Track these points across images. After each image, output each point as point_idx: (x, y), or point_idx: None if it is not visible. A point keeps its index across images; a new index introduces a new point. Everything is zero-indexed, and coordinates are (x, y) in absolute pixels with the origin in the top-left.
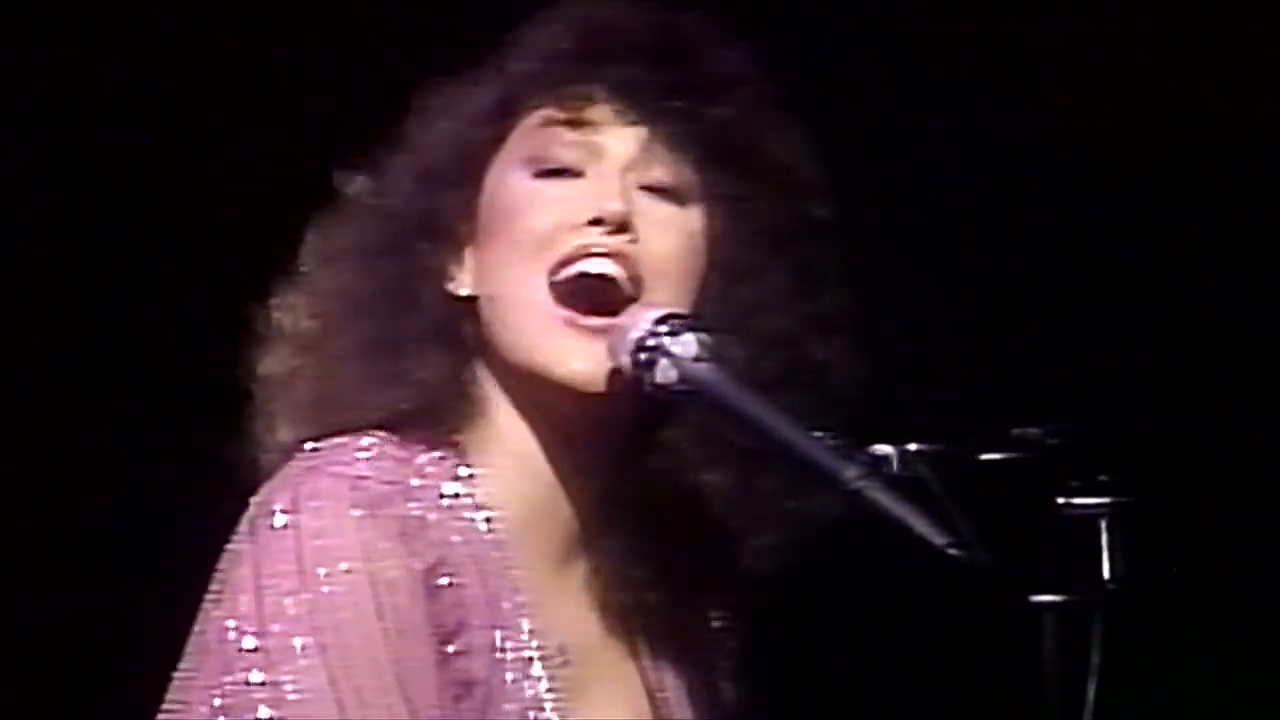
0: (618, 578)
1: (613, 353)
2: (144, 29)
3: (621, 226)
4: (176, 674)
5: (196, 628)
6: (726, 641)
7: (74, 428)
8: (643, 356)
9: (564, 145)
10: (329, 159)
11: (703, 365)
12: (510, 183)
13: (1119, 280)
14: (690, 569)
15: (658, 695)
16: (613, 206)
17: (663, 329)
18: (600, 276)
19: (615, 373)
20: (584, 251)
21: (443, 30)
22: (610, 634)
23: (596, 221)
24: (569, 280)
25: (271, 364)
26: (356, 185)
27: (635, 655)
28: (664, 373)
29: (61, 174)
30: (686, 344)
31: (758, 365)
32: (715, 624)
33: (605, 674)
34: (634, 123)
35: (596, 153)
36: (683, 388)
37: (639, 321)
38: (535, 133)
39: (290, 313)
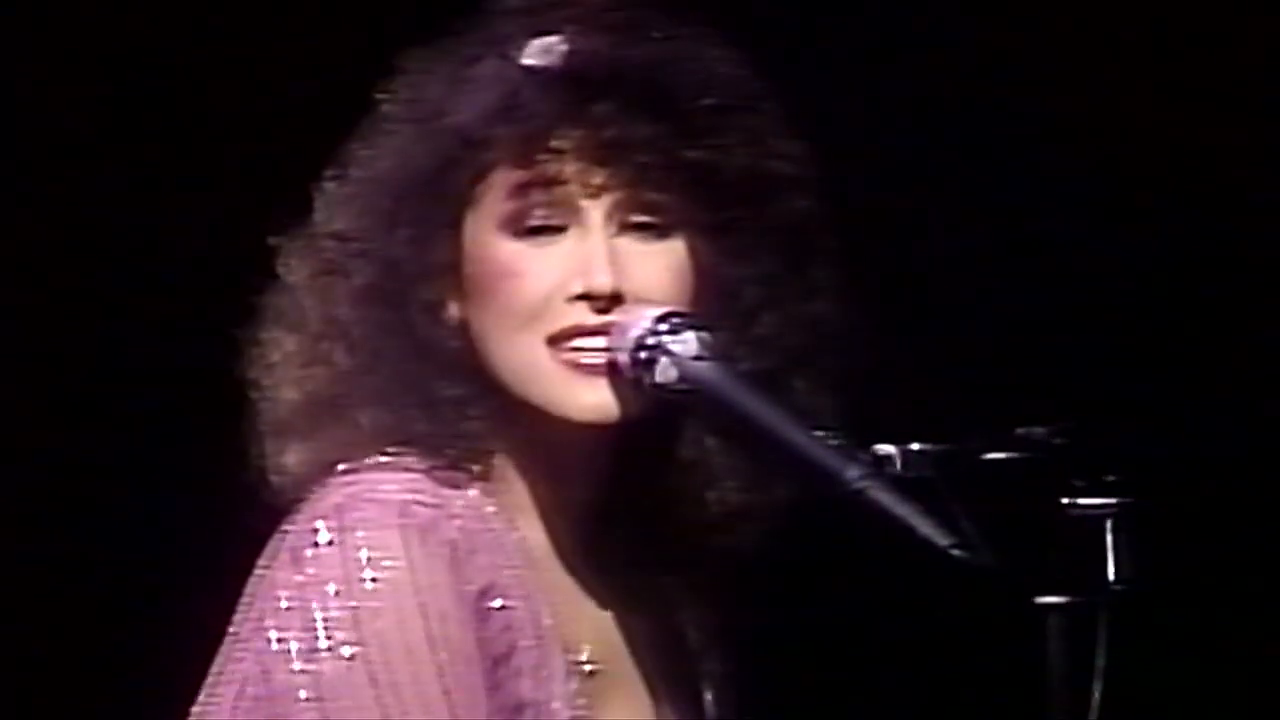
0: (626, 579)
1: (611, 351)
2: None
3: (612, 298)
4: (199, 703)
5: (231, 653)
6: (723, 633)
7: (78, 439)
8: (642, 355)
9: (539, 206)
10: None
11: (703, 364)
12: (490, 244)
13: (1124, 279)
14: (687, 558)
15: (663, 697)
16: (600, 281)
17: (663, 327)
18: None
19: (622, 385)
20: (576, 331)
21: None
22: (624, 638)
23: (585, 296)
24: (565, 347)
25: (277, 397)
26: (325, 205)
27: (643, 658)
28: (664, 372)
29: (60, 180)
30: (687, 342)
31: (759, 366)
32: (713, 616)
33: (623, 681)
34: (609, 176)
35: (574, 208)
36: (683, 387)
37: (639, 320)
38: (508, 194)
39: (286, 346)
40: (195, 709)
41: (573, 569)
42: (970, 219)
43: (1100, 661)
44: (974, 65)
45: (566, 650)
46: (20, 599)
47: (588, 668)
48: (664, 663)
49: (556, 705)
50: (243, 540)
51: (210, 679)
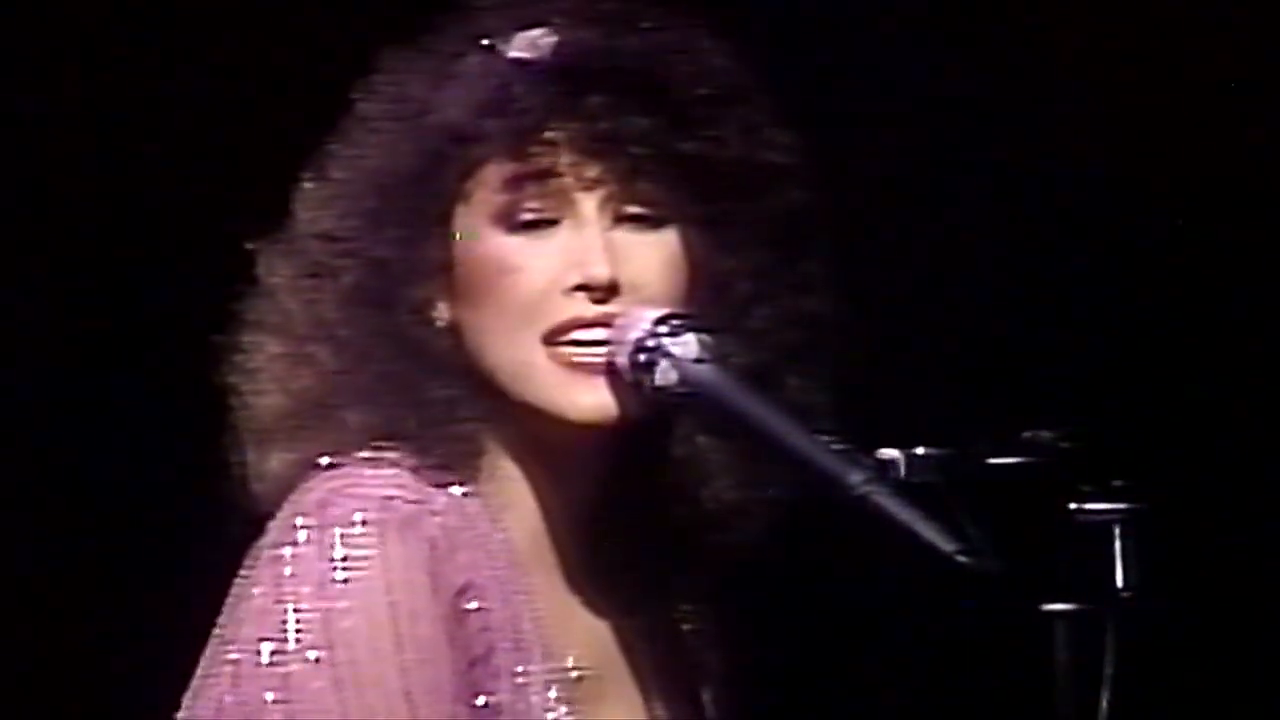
0: (622, 580)
1: (610, 353)
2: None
3: (609, 288)
4: (186, 703)
5: (216, 654)
6: (714, 636)
7: (74, 437)
8: (642, 358)
9: (533, 199)
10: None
11: (704, 366)
12: (484, 240)
13: (1130, 283)
14: (684, 558)
15: (659, 699)
16: (598, 271)
17: (662, 329)
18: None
19: (621, 387)
20: (575, 324)
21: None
22: (618, 641)
23: (582, 287)
24: (562, 343)
25: (259, 402)
26: (308, 206)
27: (639, 660)
28: (664, 375)
29: (58, 180)
30: (687, 345)
31: (751, 360)
32: (704, 618)
33: (615, 685)
34: (602, 167)
35: (568, 200)
36: (683, 390)
37: (638, 322)
38: (500, 187)
39: (270, 350)
40: (182, 712)
41: (564, 572)
42: (975, 220)
43: (1108, 669)
44: (979, 62)
45: (550, 657)
46: (17, 600)
47: (574, 674)
48: (661, 664)
49: (534, 712)
50: (237, 539)
51: (196, 680)
